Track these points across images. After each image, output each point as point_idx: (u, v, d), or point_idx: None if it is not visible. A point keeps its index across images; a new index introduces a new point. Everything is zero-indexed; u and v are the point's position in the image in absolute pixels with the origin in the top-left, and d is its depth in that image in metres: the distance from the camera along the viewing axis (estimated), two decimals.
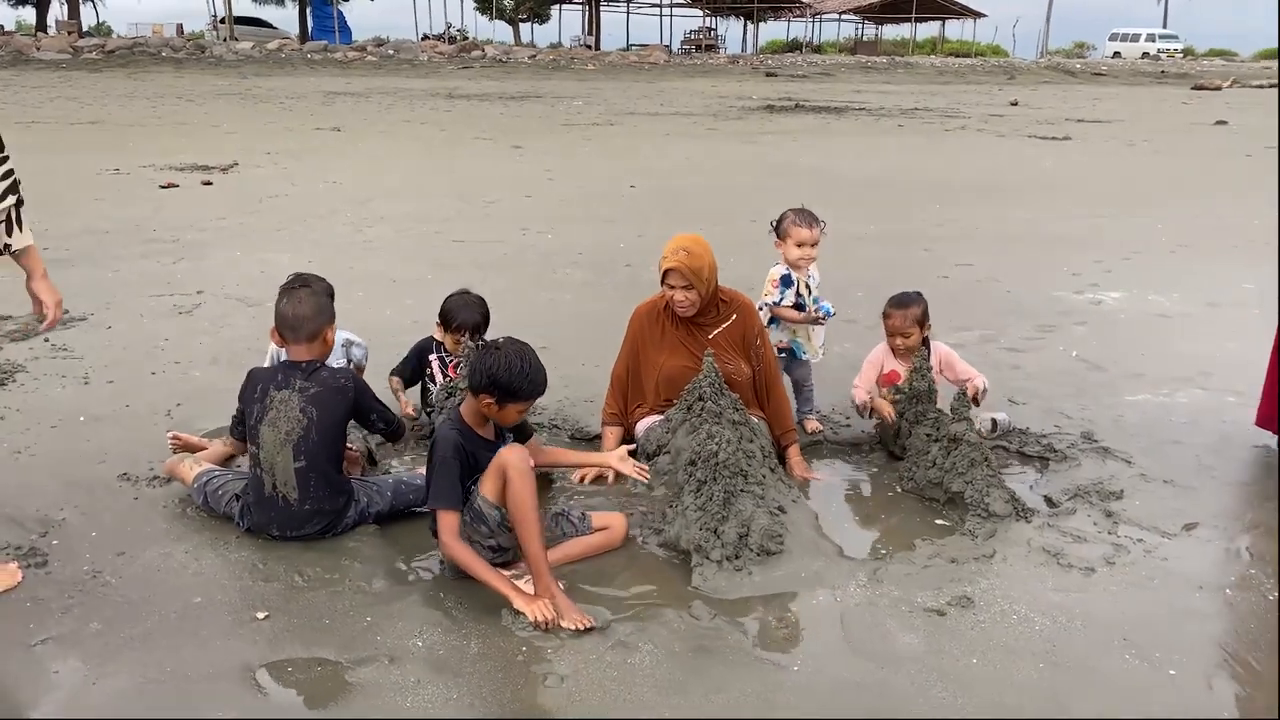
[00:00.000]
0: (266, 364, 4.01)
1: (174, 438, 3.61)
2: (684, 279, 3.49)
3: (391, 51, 38.01)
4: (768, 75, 36.04)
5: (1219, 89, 32.82)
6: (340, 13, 44.79)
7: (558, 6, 55.57)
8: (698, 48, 52.99)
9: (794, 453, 3.68)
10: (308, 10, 46.75)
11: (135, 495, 3.34)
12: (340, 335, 3.82)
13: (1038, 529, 3.19)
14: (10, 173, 2.74)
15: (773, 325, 4.01)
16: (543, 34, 60.81)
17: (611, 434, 3.69)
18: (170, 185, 10.02)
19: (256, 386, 3.10)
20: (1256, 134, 17.83)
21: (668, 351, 3.63)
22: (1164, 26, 65.02)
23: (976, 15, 58.13)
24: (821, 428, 4.02)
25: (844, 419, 4.12)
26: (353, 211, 8.79)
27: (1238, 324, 5.57)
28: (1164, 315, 5.84)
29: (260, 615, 2.64)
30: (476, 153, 13.76)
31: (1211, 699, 2.38)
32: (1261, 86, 34.22)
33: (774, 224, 4.12)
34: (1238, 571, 2.97)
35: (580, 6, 55.67)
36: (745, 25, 60.37)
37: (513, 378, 2.80)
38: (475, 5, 57.84)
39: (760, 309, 3.92)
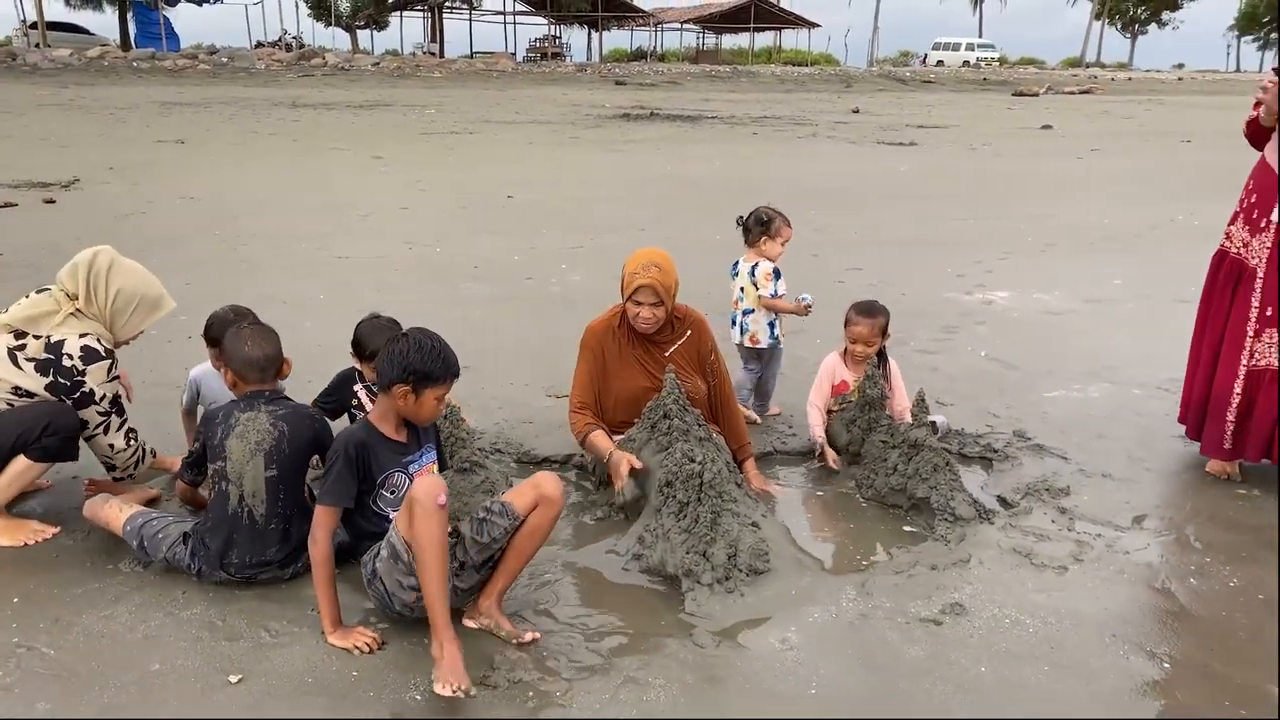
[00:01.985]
0: (185, 397, 3.72)
1: (89, 483, 3.28)
2: (655, 296, 3.39)
3: (226, 59, 36.26)
4: (617, 84, 36.25)
5: (1037, 95, 35.06)
6: (167, 19, 42.41)
7: (398, 13, 54.29)
8: (543, 56, 52.86)
9: (751, 466, 3.64)
10: (128, 16, 44.11)
11: (55, 553, 2.99)
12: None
13: (1002, 530, 3.26)
14: None
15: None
16: (382, 41, 59.35)
17: (599, 436, 3.45)
18: (7, 204, 9.19)
19: (217, 415, 2.88)
20: (1080, 138, 19.12)
21: (625, 371, 3.53)
22: (980, 36, 69.04)
23: (811, 25, 60.28)
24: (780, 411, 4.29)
25: (788, 429, 4.12)
26: (221, 229, 8.26)
27: (1120, 318, 5.91)
28: (1052, 312, 6.13)
29: (233, 679, 2.39)
30: (337, 164, 13.23)
31: (1214, 687, 2.47)
32: (1073, 93, 36.76)
33: (752, 223, 4.35)
34: (1195, 560, 3.10)
35: (421, 13, 54.62)
36: (589, 34, 60.61)
37: (425, 359, 2.64)
38: (310, 12, 55.95)
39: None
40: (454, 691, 2.26)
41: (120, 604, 2.71)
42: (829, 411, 3.94)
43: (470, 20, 56.44)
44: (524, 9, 57.07)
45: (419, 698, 2.36)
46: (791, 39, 65.15)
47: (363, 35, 55.24)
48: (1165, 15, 76.37)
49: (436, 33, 52.55)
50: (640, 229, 8.60)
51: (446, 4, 51.74)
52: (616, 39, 68.66)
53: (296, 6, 55.46)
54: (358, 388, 3.72)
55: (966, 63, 57.26)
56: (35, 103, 22.28)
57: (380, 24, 56.33)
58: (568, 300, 6.21)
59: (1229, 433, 3.62)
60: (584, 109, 24.85)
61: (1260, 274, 3.51)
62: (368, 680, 2.42)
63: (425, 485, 2.43)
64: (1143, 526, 3.31)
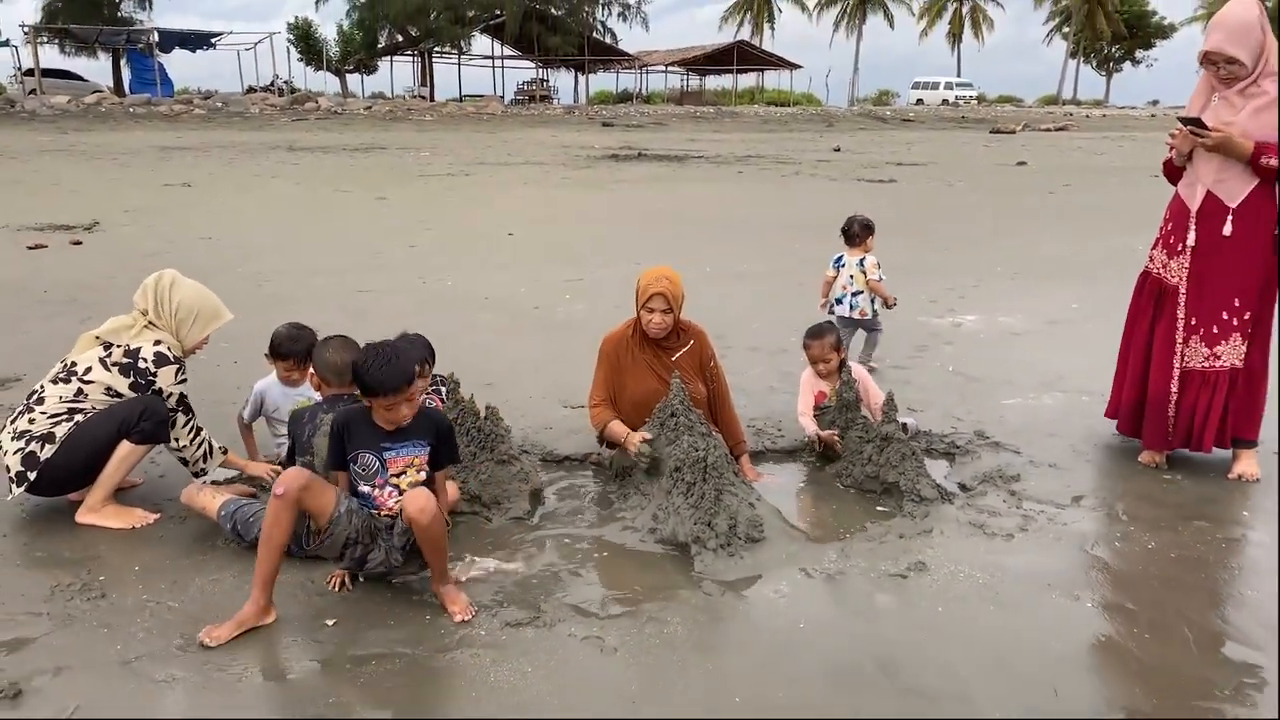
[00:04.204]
0: (249, 409, 4.26)
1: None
2: (666, 303, 3.99)
3: (220, 104, 37.05)
4: (604, 125, 37.18)
5: (1014, 132, 36.13)
6: (161, 65, 43.22)
7: (387, 58, 55.36)
8: (531, 99, 53.93)
9: (745, 460, 4.21)
10: (122, 63, 44.94)
11: (160, 533, 3.54)
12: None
13: (960, 508, 3.84)
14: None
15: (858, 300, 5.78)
16: (370, 85, 60.33)
17: (618, 424, 4.06)
18: (38, 246, 9.76)
19: (304, 415, 3.44)
20: (1054, 173, 19.94)
21: (638, 374, 4.11)
22: (958, 75, 70.68)
23: (793, 66, 61.67)
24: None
25: (778, 431, 4.70)
26: (243, 266, 8.84)
27: (1076, 338, 6.52)
28: (1015, 333, 6.75)
29: (329, 622, 2.94)
30: (343, 205, 13.85)
31: (1120, 622, 3.04)
32: (1049, 130, 37.86)
33: (858, 227, 5.89)
34: (1121, 529, 3.69)
35: (411, 58, 55.69)
36: (576, 77, 61.85)
37: (358, 373, 3.09)
38: (299, 56, 56.96)
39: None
40: (210, 640, 2.79)
41: (225, 570, 3.26)
42: (814, 417, 4.52)
43: (459, 64, 57.56)
44: (512, 53, 58.26)
45: (482, 632, 2.91)
46: (774, 80, 66.69)
47: (352, 79, 56.26)
48: (1139, 53, 78.37)
49: (426, 76, 53.60)
50: (635, 263, 9.19)
51: (435, 49, 52.80)
52: (602, 81, 70.03)
53: (288, 51, 56.36)
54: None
55: (945, 101, 58.69)
56: (37, 148, 22.90)
57: (370, 68, 57.34)
58: (573, 326, 6.79)
59: (1171, 427, 4.22)
60: (574, 150, 25.61)
61: (1182, 290, 4.12)
62: (438, 622, 2.97)
63: (283, 475, 2.96)
64: (1080, 505, 3.90)
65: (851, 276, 5.79)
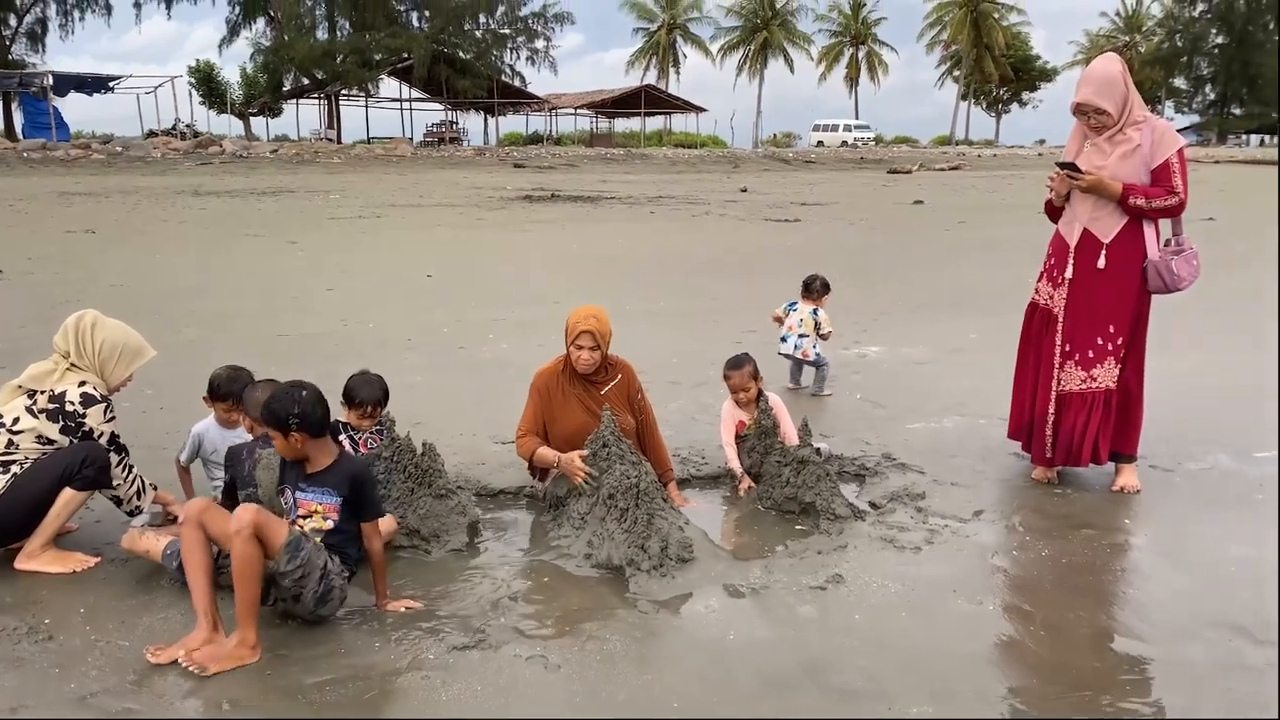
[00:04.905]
0: (186, 452, 4.33)
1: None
2: (594, 340, 4.20)
3: (120, 149, 36.19)
4: (516, 166, 37.44)
5: (910, 172, 37.56)
6: (56, 109, 42.02)
7: (293, 100, 54.79)
8: (441, 140, 53.96)
9: (673, 487, 4.44)
10: (14, 107, 43.59)
11: (102, 576, 3.58)
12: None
13: (872, 525, 4.12)
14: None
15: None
16: (275, 127, 59.61)
17: (548, 450, 4.22)
18: None
19: (241, 452, 3.55)
20: (949, 211, 20.86)
21: (568, 409, 4.30)
22: (857, 117, 73.17)
23: (698, 109, 63.03)
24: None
25: (701, 459, 4.94)
26: (160, 313, 8.75)
27: (974, 365, 6.94)
28: (918, 362, 7.15)
29: (281, 653, 3.05)
30: (255, 249, 13.75)
31: (1019, 623, 3.34)
32: (943, 170, 39.46)
33: (819, 286, 6.46)
34: (1017, 539, 4.02)
35: (317, 100, 55.23)
36: (485, 119, 62.10)
37: (263, 413, 3.32)
38: (201, 100, 56.00)
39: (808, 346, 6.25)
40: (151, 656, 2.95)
41: (172, 608, 3.33)
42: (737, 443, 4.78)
43: (366, 106, 57.28)
44: (420, 96, 58.25)
45: (431, 656, 3.05)
46: (681, 122, 67.96)
47: (256, 122, 55.48)
48: (1025, 95, 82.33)
49: (333, 119, 53.19)
50: (555, 302, 9.41)
51: (342, 91, 52.50)
52: (512, 123, 70.53)
53: (190, 95, 55.35)
54: (342, 438, 4.39)
55: (845, 142, 60.59)
56: None
57: (275, 111, 56.67)
58: (499, 364, 6.96)
59: (1048, 444, 4.59)
60: (486, 191, 25.77)
61: (1061, 319, 4.51)
62: (390, 649, 3.10)
63: (237, 520, 3.02)
64: (980, 518, 4.22)
65: (801, 320, 6.33)
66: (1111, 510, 4.34)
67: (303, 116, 67.71)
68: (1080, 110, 4.37)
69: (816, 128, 66.98)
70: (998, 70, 75.31)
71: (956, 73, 77.28)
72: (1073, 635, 3.30)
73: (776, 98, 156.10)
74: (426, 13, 51.89)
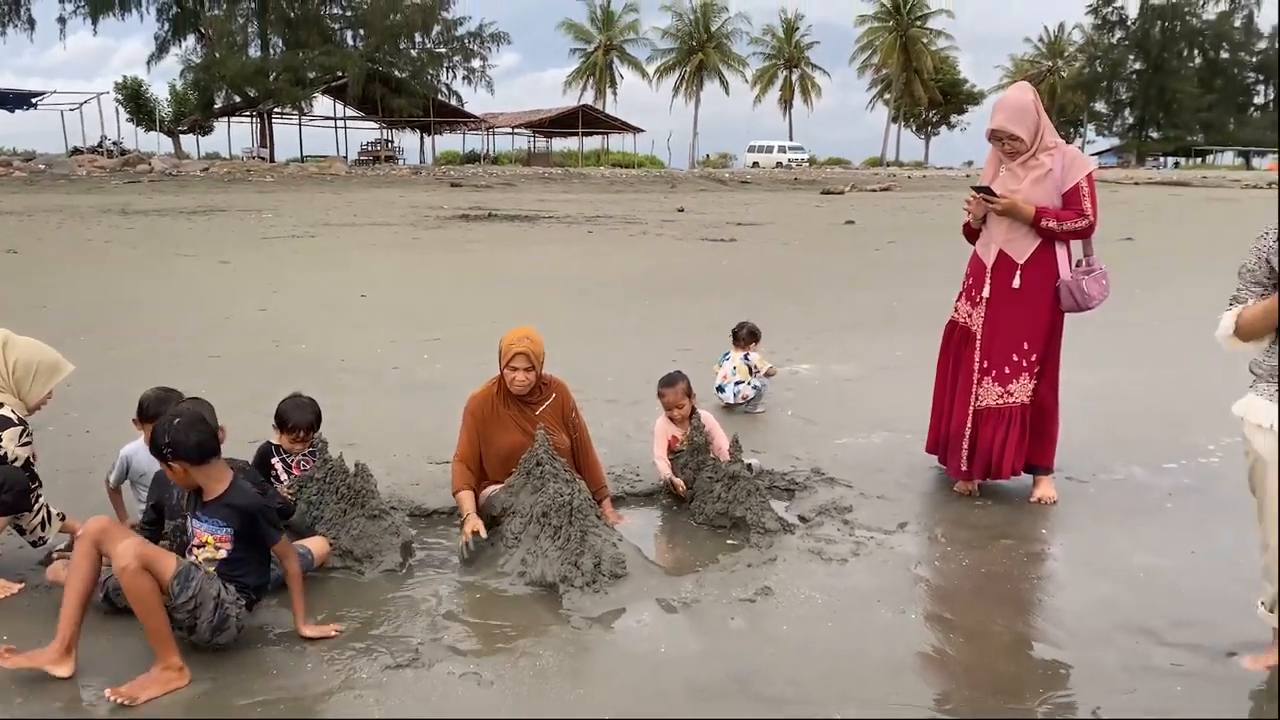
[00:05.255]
0: (114, 473, 4.26)
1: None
2: (528, 361, 4.25)
3: (43, 166, 35.26)
4: (453, 185, 37.29)
5: (843, 193, 38.22)
6: None
7: (224, 118, 53.94)
8: (376, 159, 53.53)
9: (607, 504, 4.50)
10: None
11: (25, 603, 3.52)
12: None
13: (801, 538, 4.23)
14: None
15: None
16: (206, 145, 58.53)
17: (467, 498, 4.27)
18: None
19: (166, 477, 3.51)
20: (880, 231, 21.28)
21: (503, 430, 4.34)
22: (791, 139, 74.29)
23: (635, 130, 63.45)
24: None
25: (636, 476, 5.01)
26: (87, 334, 8.57)
27: (901, 382, 7.11)
28: (847, 379, 7.32)
29: (211, 678, 3.04)
30: (185, 269, 13.51)
31: (940, 630, 3.46)
32: (875, 190, 40.25)
33: (746, 334, 6.52)
34: (940, 550, 4.16)
35: (249, 119, 54.44)
36: (421, 137, 61.79)
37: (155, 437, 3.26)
38: (129, 117, 54.88)
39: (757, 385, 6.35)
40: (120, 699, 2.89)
41: (98, 634, 3.28)
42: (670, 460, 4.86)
43: (300, 125, 56.61)
44: (355, 114, 57.78)
45: (362, 676, 3.07)
46: (618, 142, 68.38)
47: (186, 140, 54.50)
48: (954, 118, 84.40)
49: (266, 137, 52.47)
50: (492, 322, 9.41)
51: (275, 109, 51.83)
52: (448, 142, 70.24)
53: (117, 112, 54.16)
54: (275, 461, 4.37)
55: (780, 163, 61.45)
56: None
57: (205, 129, 55.74)
58: (434, 385, 6.96)
59: (964, 459, 4.74)
60: (423, 210, 25.63)
61: (979, 337, 4.68)
62: (323, 668, 3.11)
63: (119, 548, 3.00)
64: (904, 530, 4.35)
65: (734, 368, 6.44)
66: (1029, 521, 4.50)
67: (235, 134, 66.56)
68: (995, 136, 4.56)
69: (752, 149, 67.86)
70: (926, 93, 77.16)
71: (887, 96, 79.02)
72: (991, 641, 3.43)
73: (713, 119, 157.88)
74: (361, 31, 51.60)
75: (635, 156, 66.09)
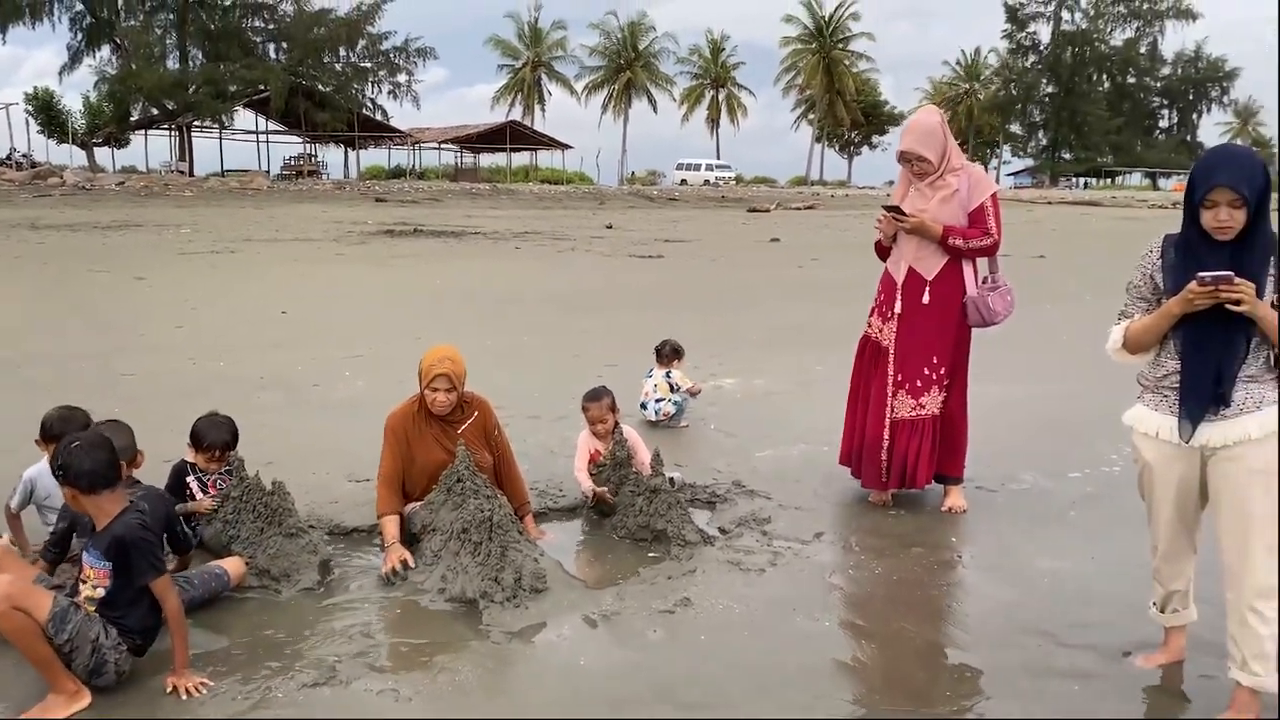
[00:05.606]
0: (16, 498, 4.14)
1: None
2: (449, 382, 4.24)
3: None
4: (378, 201, 36.85)
5: (768, 211, 38.77)
6: None
7: (141, 131, 52.53)
8: (299, 174, 52.64)
9: (529, 520, 4.51)
10: None
11: None
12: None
13: (720, 549, 4.30)
14: None
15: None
16: (122, 159, 56.78)
17: (391, 523, 4.24)
18: None
19: None
20: (803, 249, 21.64)
21: (425, 448, 4.33)
22: (718, 157, 75.10)
23: (564, 146, 63.53)
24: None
25: (559, 492, 5.03)
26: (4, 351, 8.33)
27: (820, 395, 7.26)
28: (769, 393, 7.45)
29: (121, 698, 2.98)
30: (99, 286, 13.15)
31: (854, 637, 3.56)
32: (799, 209, 40.91)
33: (669, 351, 6.61)
34: (854, 559, 4.27)
35: (167, 131, 53.13)
36: (346, 152, 60.98)
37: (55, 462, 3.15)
38: (39, 128, 53.18)
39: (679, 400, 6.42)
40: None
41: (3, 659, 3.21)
42: (590, 475, 4.89)
43: (220, 138, 55.44)
44: (277, 128, 56.81)
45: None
46: (547, 158, 68.35)
47: (101, 153, 52.89)
48: (875, 138, 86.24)
49: (185, 150, 51.26)
50: (416, 338, 9.35)
51: (195, 123, 50.69)
52: (374, 157, 69.36)
53: (27, 123, 52.43)
54: (190, 479, 4.30)
55: (707, 181, 62.04)
56: None
57: (121, 142, 54.24)
58: (355, 402, 6.90)
59: (884, 469, 4.87)
60: (346, 226, 25.30)
61: (891, 351, 4.82)
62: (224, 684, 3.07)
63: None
64: (820, 540, 4.46)
65: (655, 385, 6.49)
66: (940, 529, 4.65)
67: (152, 148, 64.65)
68: (904, 158, 4.72)
69: (680, 166, 68.40)
70: (849, 114, 78.71)
71: (811, 116, 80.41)
72: (903, 646, 3.54)
73: (641, 136, 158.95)
74: (284, 44, 50.81)
75: (564, 173, 66.14)
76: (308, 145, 58.63)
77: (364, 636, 3.48)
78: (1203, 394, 2.92)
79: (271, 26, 51.75)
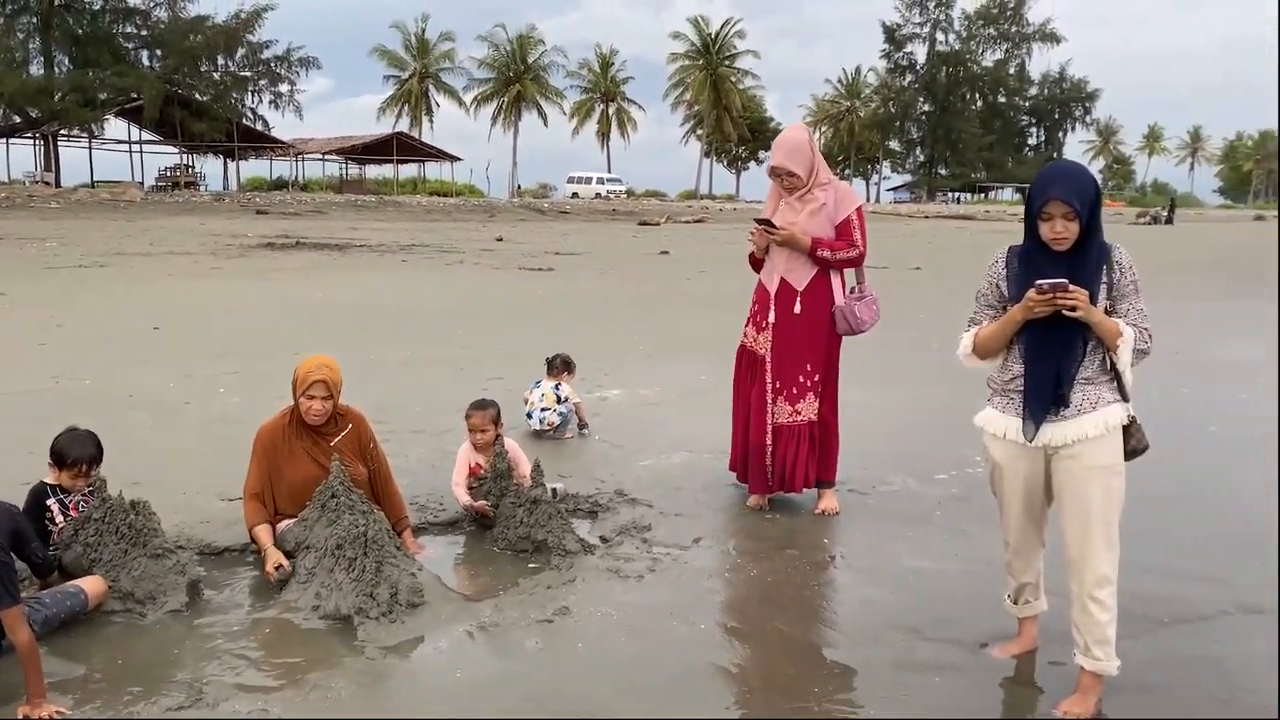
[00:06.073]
0: None
1: None
2: (326, 389, 4.18)
3: None
4: (259, 213, 35.83)
5: (659, 224, 39.19)
6: None
7: (2, 140, 49.77)
8: (176, 185, 50.73)
9: (408, 534, 4.47)
10: None
11: None
12: None
13: (601, 558, 4.35)
14: None
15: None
16: None
17: (264, 531, 4.14)
18: None
19: None
20: (692, 261, 21.95)
21: (296, 462, 4.25)
22: (609, 170, 75.50)
23: (453, 158, 62.90)
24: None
25: (440, 506, 5.00)
26: None
27: (703, 405, 7.39)
28: (653, 403, 7.55)
29: None
30: None
31: (730, 638, 3.65)
32: (689, 222, 41.46)
33: (559, 363, 6.62)
34: (730, 562, 4.38)
35: (31, 140, 50.50)
36: (225, 163, 59.02)
37: None
38: None
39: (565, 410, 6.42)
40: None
41: None
42: (470, 488, 4.88)
43: (90, 148, 52.99)
44: (152, 138, 54.58)
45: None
46: (435, 170, 67.46)
47: None
48: (762, 154, 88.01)
49: (51, 160, 48.83)
50: (294, 353, 9.08)
51: (62, 131, 48.33)
52: (255, 168, 67.28)
53: None
54: (50, 502, 4.11)
55: (599, 194, 62.28)
56: None
57: None
58: (230, 420, 6.70)
59: (769, 474, 5.00)
60: (225, 239, 24.54)
61: (768, 360, 4.96)
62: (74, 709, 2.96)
63: None
64: (699, 545, 4.55)
65: (543, 395, 6.49)
66: (814, 531, 4.79)
67: (14, 157, 61.53)
68: (775, 173, 4.88)
69: (571, 179, 68.47)
70: (736, 130, 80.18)
71: (699, 131, 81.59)
72: (776, 646, 3.64)
73: (531, 149, 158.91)
74: (159, 52, 48.89)
75: (453, 185, 65.39)
76: (185, 156, 56.48)
77: (234, 657, 3.40)
78: (1044, 396, 3.11)
79: (145, 33, 49.71)
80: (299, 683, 3.21)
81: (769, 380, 4.96)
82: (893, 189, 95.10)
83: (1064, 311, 2.98)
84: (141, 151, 54.78)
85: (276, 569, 3.94)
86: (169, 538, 4.39)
